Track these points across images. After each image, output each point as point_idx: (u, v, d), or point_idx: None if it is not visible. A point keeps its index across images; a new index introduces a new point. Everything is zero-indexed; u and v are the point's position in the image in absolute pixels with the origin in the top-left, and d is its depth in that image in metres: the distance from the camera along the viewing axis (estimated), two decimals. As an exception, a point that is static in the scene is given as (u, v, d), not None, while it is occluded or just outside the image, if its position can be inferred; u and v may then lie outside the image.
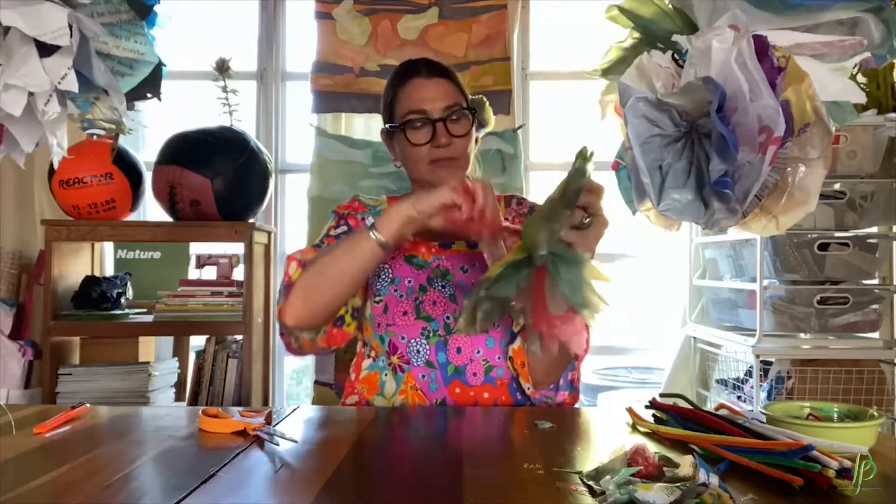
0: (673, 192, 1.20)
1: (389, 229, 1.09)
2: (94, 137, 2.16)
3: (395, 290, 1.26)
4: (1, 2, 1.19)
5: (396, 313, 1.25)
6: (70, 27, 1.19)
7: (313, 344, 1.22)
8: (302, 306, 1.15)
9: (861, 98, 1.21)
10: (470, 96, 1.37)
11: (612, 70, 1.34)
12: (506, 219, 1.30)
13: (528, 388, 1.21)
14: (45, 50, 1.21)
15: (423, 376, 1.22)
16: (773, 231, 1.21)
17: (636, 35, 1.31)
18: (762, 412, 0.95)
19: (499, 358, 1.22)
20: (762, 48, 1.09)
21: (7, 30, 1.21)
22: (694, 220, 1.22)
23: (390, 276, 1.28)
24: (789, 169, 1.15)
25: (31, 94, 1.23)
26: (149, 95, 1.39)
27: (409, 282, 1.27)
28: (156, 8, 1.36)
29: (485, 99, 1.39)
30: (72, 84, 1.22)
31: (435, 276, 1.27)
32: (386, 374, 1.24)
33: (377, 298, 1.27)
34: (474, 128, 1.31)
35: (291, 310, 1.15)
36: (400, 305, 1.25)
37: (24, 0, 1.19)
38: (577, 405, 1.28)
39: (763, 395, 2.15)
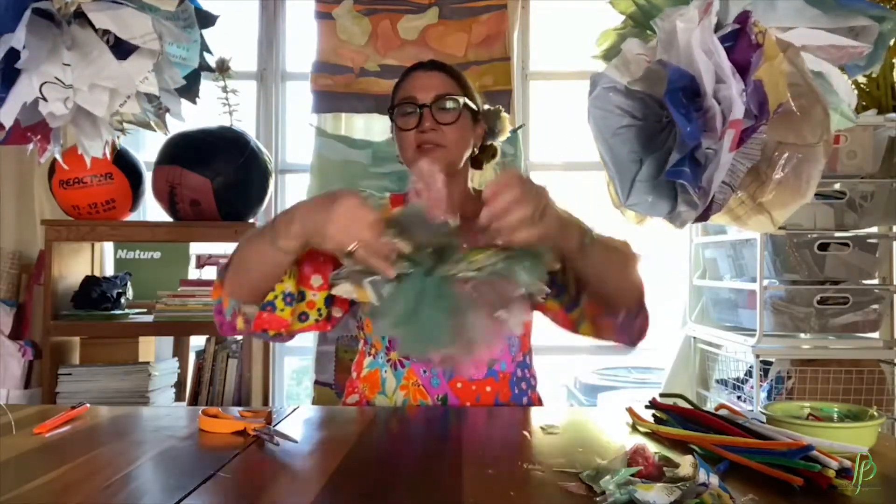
0: (641, 185, 1.17)
1: (288, 241, 1.05)
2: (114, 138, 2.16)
3: None
4: (88, 4, 1.20)
5: None
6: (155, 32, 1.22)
7: (246, 325, 1.16)
8: (232, 283, 1.12)
9: (853, 100, 1.20)
10: (489, 107, 1.36)
11: (613, 54, 1.32)
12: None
13: (611, 325, 1.22)
14: (119, 51, 1.23)
15: (425, 371, 1.22)
16: (768, 227, 1.17)
17: (630, 23, 1.30)
18: (762, 412, 0.95)
19: (501, 350, 1.23)
20: (743, 23, 1.05)
21: (69, 24, 1.21)
22: (661, 215, 1.19)
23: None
24: (777, 156, 1.10)
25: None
26: (180, 98, 1.41)
27: None
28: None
29: (502, 110, 1.39)
30: (152, 86, 1.24)
31: None
32: (386, 371, 1.25)
33: None
34: (472, 127, 1.30)
35: (226, 286, 1.13)
36: None
37: (106, 4, 1.20)
38: (583, 406, 1.27)
39: (763, 395, 2.15)
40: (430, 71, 1.30)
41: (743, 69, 1.02)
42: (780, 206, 1.14)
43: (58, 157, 1.40)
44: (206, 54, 1.38)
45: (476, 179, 1.42)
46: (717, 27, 1.15)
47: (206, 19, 1.36)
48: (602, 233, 1.15)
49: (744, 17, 1.05)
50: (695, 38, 1.03)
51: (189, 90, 1.39)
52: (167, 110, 1.35)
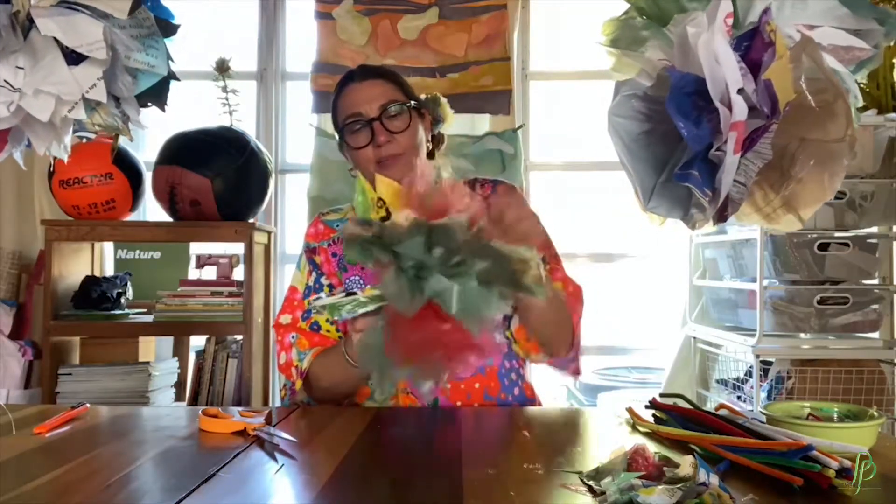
0: (661, 188, 1.17)
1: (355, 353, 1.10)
2: (84, 140, 2.16)
3: None
4: (37, 10, 1.20)
5: None
6: (105, 40, 1.22)
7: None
8: (316, 390, 1.26)
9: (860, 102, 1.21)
10: (425, 96, 1.37)
11: (619, 43, 1.32)
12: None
13: (542, 359, 1.24)
14: (71, 57, 1.23)
15: None
16: (796, 224, 1.16)
17: (634, 13, 1.30)
18: (762, 412, 0.95)
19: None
20: (759, 21, 1.06)
21: (27, 32, 1.22)
22: (678, 217, 1.19)
23: (363, 286, 1.28)
24: (800, 153, 1.10)
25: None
26: (149, 105, 1.41)
27: None
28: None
29: (440, 96, 1.39)
30: (100, 94, 1.25)
31: None
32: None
33: None
34: (421, 124, 1.30)
35: (311, 390, 1.26)
36: None
37: (58, 9, 1.20)
38: (579, 404, 1.28)
39: (763, 395, 2.15)
40: (364, 80, 1.28)
41: (756, 68, 1.03)
42: (805, 203, 1.13)
43: (17, 158, 1.40)
44: (170, 62, 1.39)
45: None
46: (740, 25, 1.16)
47: (167, 28, 1.36)
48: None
49: (763, 15, 1.06)
50: (702, 43, 1.04)
51: (158, 97, 1.40)
52: (129, 118, 1.36)
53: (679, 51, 1.12)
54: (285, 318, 1.31)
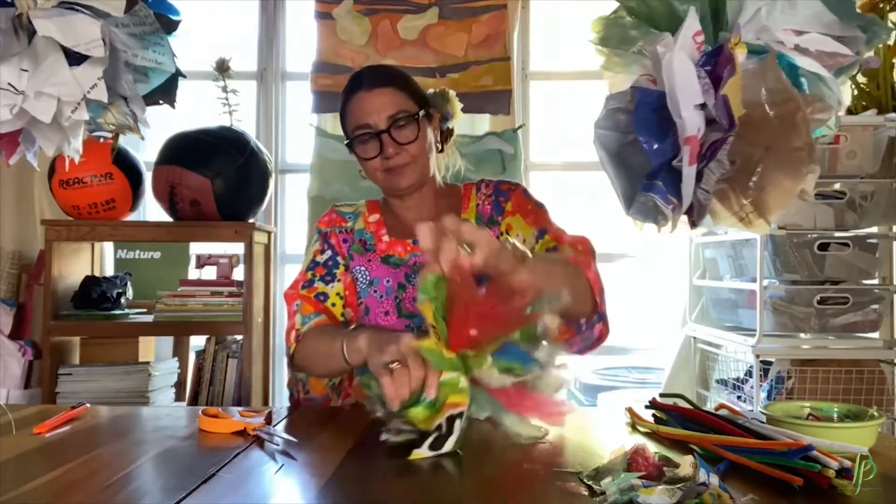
0: (641, 196, 1.22)
1: (355, 358, 1.08)
2: (101, 140, 2.16)
3: (375, 292, 1.27)
4: (35, 11, 1.20)
5: (378, 314, 1.26)
6: (103, 39, 1.21)
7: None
8: (303, 365, 1.26)
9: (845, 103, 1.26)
10: (434, 90, 1.37)
11: (607, 41, 1.35)
12: (478, 204, 1.34)
13: (571, 332, 1.18)
14: (74, 58, 1.23)
15: None
16: (766, 228, 1.20)
17: (623, 12, 1.33)
18: (762, 412, 0.95)
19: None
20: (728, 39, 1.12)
21: (31, 36, 1.22)
22: (653, 223, 1.25)
23: (368, 278, 1.29)
24: (764, 161, 1.15)
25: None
26: (161, 102, 1.41)
27: (388, 282, 1.28)
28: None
29: (448, 91, 1.38)
30: (101, 94, 1.25)
31: (413, 272, 1.28)
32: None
33: (358, 301, 1.28)
34: (429, 126, 1.31)
35: (297, 362, 1.26)
36: (381, 306, 1.26)
37: (56, 10, 1.21)
38: (582, 405, 1.28)
39: (763, 395, 2.15)
40: (372, 89, 1.26)
41: (718, 83, 1.08)
42: (770, 208, 1.18)
43: (31, 160, 1.40)
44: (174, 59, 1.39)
45: (441, 165, 1.42)
46: (728, 28, 1.19)
47: (168, 25, 1.37)
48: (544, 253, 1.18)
49: (731, 32, 1.11)
50: (665, 61, 1.10)
51: (168, 94, 1.40)
52: (136, 116, 1.36)
53: (655, 68, 1.17)
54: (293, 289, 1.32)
